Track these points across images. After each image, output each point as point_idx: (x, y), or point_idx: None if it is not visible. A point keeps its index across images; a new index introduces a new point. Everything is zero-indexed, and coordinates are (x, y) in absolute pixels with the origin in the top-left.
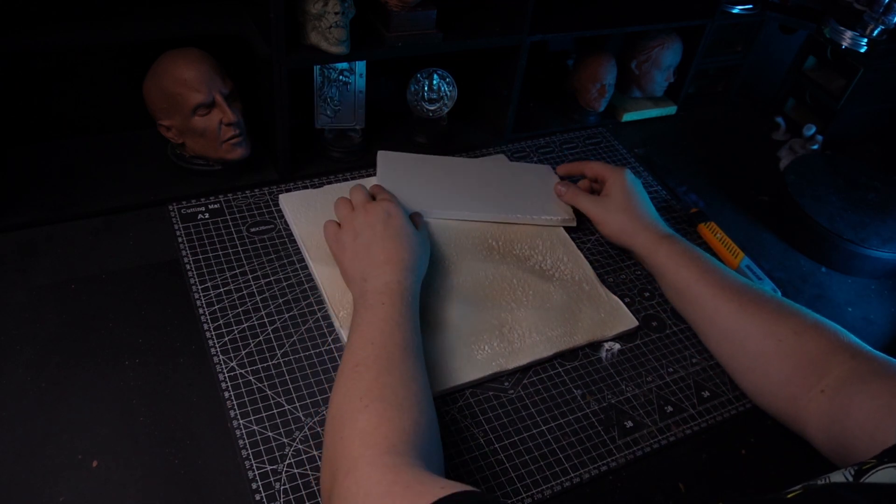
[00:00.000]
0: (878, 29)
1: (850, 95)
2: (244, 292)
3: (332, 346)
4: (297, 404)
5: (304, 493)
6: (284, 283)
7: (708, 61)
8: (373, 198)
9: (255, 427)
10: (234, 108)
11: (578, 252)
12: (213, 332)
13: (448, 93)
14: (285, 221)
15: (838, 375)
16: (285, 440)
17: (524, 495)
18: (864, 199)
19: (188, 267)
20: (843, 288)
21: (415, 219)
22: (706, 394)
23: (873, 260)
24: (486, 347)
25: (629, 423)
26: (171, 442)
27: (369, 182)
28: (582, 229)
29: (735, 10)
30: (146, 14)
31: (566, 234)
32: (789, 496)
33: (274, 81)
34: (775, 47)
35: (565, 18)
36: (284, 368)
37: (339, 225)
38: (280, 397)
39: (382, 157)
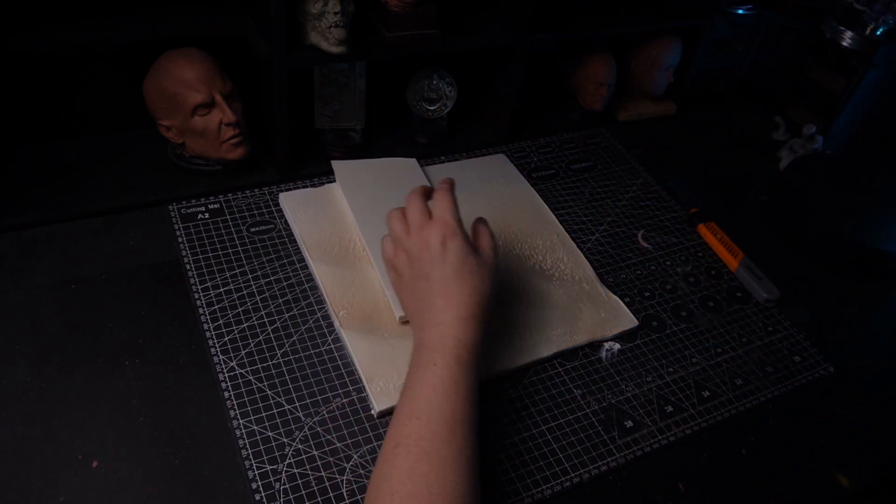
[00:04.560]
0: (879, 29)
1: (850, 95)
2: (244, 292)
3: (332, 346)
4: (297, 404)
5: (304, 492)
6: (284, 283)
7: (708, 61)
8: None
9: (255, 427)
10: (234, 108)
11: (578, 252)
12: (213, 332)
13: (448, 93)
14: (285, 221)
15: None
16: (285, 440)
17: (524, 495)
18: (864, 199)
19: (188, 267)
20: (842, 288)
21: (479, 233)
22: (706, 394)
23: (873, 260)
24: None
25: (629, 423)
26: (171, 442)
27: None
28: (582, 229)
29: (735, 11)
30: (146, 14)
31: (566, 234)
32: None
33: (274, 81)
34: (775, 47)
35: (565, 18)
36: (284, 368)
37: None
38: (280, 397)
39: (339, 167)
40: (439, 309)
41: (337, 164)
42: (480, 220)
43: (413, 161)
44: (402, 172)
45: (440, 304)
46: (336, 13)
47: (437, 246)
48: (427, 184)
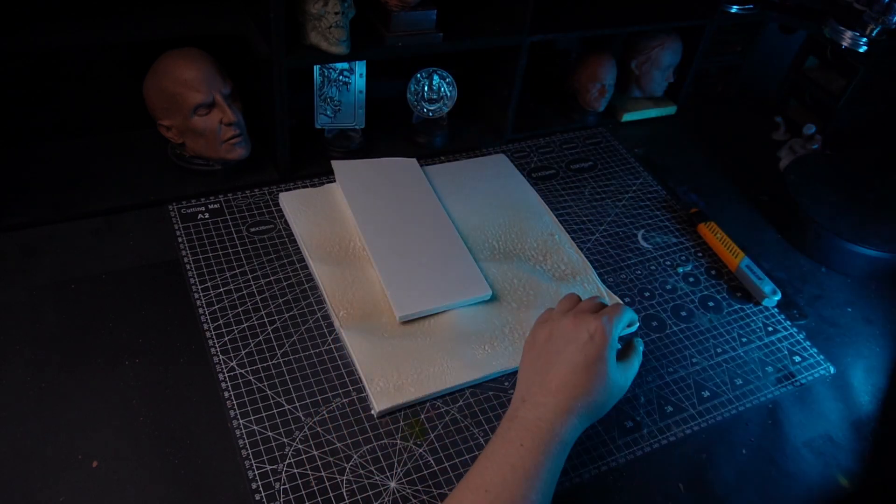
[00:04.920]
0: (878, 29)
1: (850, 95)
2: (244, 292)
3: (332, 346)
4: (297, 404)
5: (304, 492)
6: (284, 283)
7: (708, 61)
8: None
9: (255, 427)
10: (234, 108)
11: (579, 252)
12: (213, 332)
13: (448, 93)
14: (285, 221)
15: None
16: (285, 440)
17: None
18: (864, 199)
19: (188, 267)
20: (843, 288)
21: (631, 350)
22: (706, 394)
23: (873, 260)
24: (486, 347)
25: (629, 423)
26: (171, 442)
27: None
28: (582, 229)
29: (735, 10)
30: (146, 14)
31: (566, 234)
32: None
33: (274, 81)
34: (775, 47)
35: (565, 18)
36: (284, 368)
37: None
38: (280, 397)
39: (339, 167)
40: (549, 391)
41: (337, 164)
42: (639, 342)
43: (413, 161)
44: (402, 172)
45: (552, 387)
46: (336, 13)
47: (584, 333)
48: (426, 184)
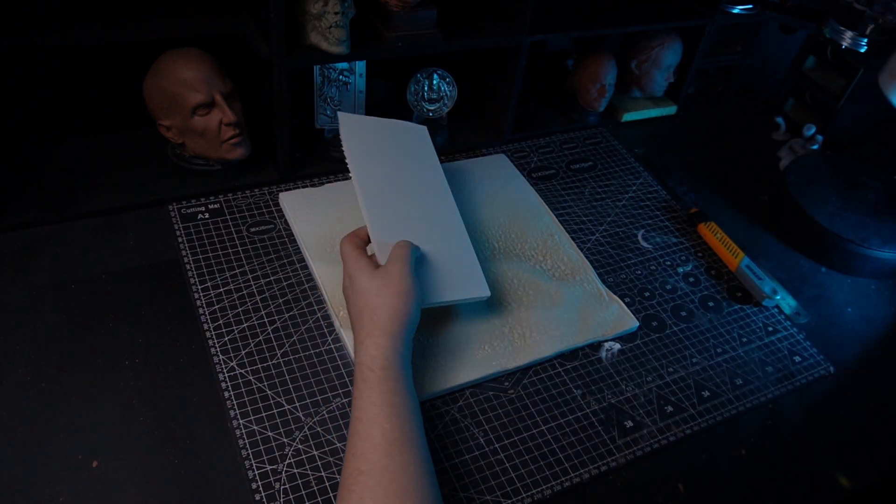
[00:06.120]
0: (879, 29)
1: (850, 95)
2: (244, 292)
3: (332, 346)
4: (297, 404)
5: (304, 492)
6: (284, 283)
7: (708, 61)
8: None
9: (255, 427)
10: (233, 108)
11: (579, 252)
12: (213, 332)
13: (448, 93)
14: (285, 221)
15: None
16: (285, 440)
17: (524, 495)
18: (864, 199)
19: (188, 267)
20: (843, 288)
21: (391, 257)
22: (706, 394)
23: (873, 260)
24: (486, 347)
25: (629, 423)
26: (171, 442)
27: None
28: (582, 229)
29: (735, 10)
30: (146, 14)
31: (566, 234)
32: None
33: (274, 81)
34: (775, 47)
35: (565, 18)
36: (284, 368)
37: None
38: (280, 397)
39: (345, 118)
40: (365, 326)
41: (343, 116)
42: (402, 245)
43: (423, 128)
44: (410, 139)
45: (366, 321)
46: (336, 13)
47: (347, 281)
48: (434, 158)
